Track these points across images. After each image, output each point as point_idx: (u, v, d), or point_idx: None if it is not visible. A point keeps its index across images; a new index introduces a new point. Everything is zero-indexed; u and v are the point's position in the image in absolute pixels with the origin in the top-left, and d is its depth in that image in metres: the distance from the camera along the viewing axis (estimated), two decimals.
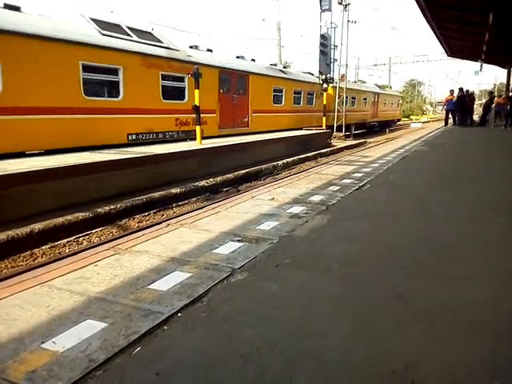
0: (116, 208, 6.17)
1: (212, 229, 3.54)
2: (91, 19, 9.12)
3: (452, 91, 20.64)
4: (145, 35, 10.22)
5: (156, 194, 7.00)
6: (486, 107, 21.20)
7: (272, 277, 2.47)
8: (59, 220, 5.39)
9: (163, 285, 2.35)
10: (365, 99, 25.36)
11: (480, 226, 3.56)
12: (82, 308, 2.09)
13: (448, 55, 28.66)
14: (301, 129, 16.72)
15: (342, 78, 21.60)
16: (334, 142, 17.86)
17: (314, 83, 18.37)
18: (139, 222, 6.29)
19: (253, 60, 15.11)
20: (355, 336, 1.82)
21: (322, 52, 17.61)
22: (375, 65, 53.09)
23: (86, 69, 8.29)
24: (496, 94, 30.68)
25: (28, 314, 2.04)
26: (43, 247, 5.06)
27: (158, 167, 7.80)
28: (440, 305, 2.10)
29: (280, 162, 11.22)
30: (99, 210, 5.95)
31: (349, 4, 20.27)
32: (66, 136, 7.92)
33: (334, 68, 18.71)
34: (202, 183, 8.11)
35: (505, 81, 28.42)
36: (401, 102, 36.95)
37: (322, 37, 17.53)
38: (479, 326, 1.89)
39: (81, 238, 5.46)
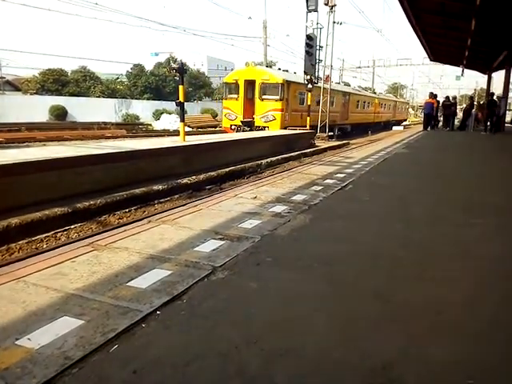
0: (96, 204, 6.08)
1: (194, 226, 3.51)
2: (310, 77, 19.19)
3: (431, 94, 21.00)
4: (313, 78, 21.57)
5: (137, 191, 6.92)
6: (466, 112, 21.66)
7: (253, 275, 2.47)
8: (37, 215, 5.28)
9: (142, 282, 2.32)
10: (389, 105, 37.66)
11: (459, 227, 3.62)
12: (58, 304, 2.05)
13: (431, 60, 29.14)
14: (285, 128, 16.89)
15: (327, 79, 21.73)
16: (317, 142, 17.95)
17: (374, 97, 32.32)
18: (119, 218, 6.21)
19: (348, 85, 30.89)
20: (334, 334, 1.83)
21: (307, 52, 17.64)
22: (359, 67, 53.47)
23: (304, 95, 18.47)
24: (476, 99, 31.43)
25: (3, 309, 1.99)
26: (20, 242, 4.95)
27: (139, 163, 7.70)
28: (418, 305, 2.13)
29: (264, 161, 11.22)
30: (78, 205, 5.85)
31: (335, 5, 20.38)
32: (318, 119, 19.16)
33: (318, 69, 18.81)
34: (185, 180, 8.05)
35: (485, 86, 29.05)
36: (408, 106, 52.36)
37: (308, 37, 17.55)
38: (456, 326, 1.93)
39: (59, 234, 5.35)
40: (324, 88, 20.49)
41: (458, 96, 52.47)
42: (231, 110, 17.19)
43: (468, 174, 7.05)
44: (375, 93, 36.59)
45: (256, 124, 16.39)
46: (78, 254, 2.81)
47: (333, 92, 21.99)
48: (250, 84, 16.90)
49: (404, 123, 42.70)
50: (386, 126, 34.66)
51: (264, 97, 16.74)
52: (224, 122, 17.67)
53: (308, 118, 17.70)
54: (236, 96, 17.03)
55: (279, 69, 18.77)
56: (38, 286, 2.27)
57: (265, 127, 16.54)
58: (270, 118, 16.56)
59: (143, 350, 1.69)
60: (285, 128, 16.62)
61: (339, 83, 30.27)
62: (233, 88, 17.36)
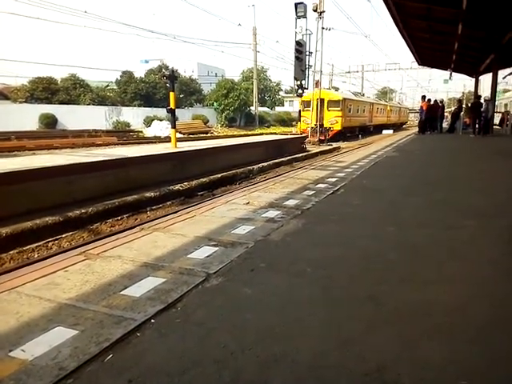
0: (87, 212, 6.04)
1: (187, 233, 3.51)
2: (350, 92, 33.83)
3: (424, 97, 21.10)
4: (357, 94, 35.00)
5: (129, 198, 6.89)
6: (455, 115, 21.86)
7: (247, 281, 2.47)
8: (28, 224, 5.24)
9: (136, 291, 2.32)
10: (396, 110, 45.68)
11: (450, 229, 3.65)
12: (51, 315, 2.04)
13: (419, 64, 29.55)
14: (275, 133, 16.99)
15: (317, 84, 21.90)
16: (308, 147, 18.05)
17: (387, 105, 42.15)
18: (112, 226, 6.18)
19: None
20: (329, 339, 1.84)
21: (297, 58, 17.79)
22: (348, 72, 54.06)
23: (352, 106, 28.48)
24: (464, 102, 31.91)
25: None
26: (11, 252, 4.90)
27: (131, 170, 7.69)
28: (411, 308, 2.14)
29: (255, 167, 11.25)
30: (70, 214, 5.81)
31: (323, 11, 20.59)
32: (358, 122, 30.43)
33: (308, 74, 18.95)
34: (177, 187, 8.04)
35: (473, 89, 29.44)
36: (408, 111, 59.86)
37: (297, 43, 17.71)
38: (449, 328, 1.94)
39: (50, 243, 5.31)
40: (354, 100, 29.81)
41: (446, 99, 53.39)
42: (307, 117, 25.08)
43: (455, 176, 7.13)
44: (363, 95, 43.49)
45: (325, 125, 24.67)
46: (70, 263, 2.79)
47: (364, 103, 32.54)
48: (319, 100, 24.64)
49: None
50: (394, 126, 43.67)
51: (330, 108, 25.60)
52: (302, 125, 24.94)
53: (299, 123, 17.80)
54: (310, 108, 24.87)
55: (336, 90, 32.08)
56: (30, 296, 2.25)
57: (330, 127, 25.28)
58: (334, 122, 25.54)
59: (138, 358, 1.69)
60: (343, 128, 26.07)
61: (363, 95, 39.19)
62: (307, 103, 25.39)
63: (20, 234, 5.12)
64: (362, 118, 31.33)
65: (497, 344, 1.81)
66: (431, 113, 20.69)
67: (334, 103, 25.78)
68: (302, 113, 25.77)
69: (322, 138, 23.45)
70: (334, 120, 25.45)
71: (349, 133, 27.71)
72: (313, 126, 24.37)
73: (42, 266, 2.79)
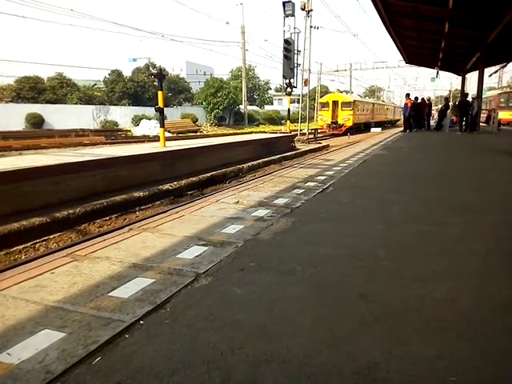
0: (75, 212, 5.98)
1: (176, 233, 3.48)
2: (357, 95, 48.53)
3: (408, 94, 21.24)
4: (359, 96, 46.93)
5: (117, 198, 6.83)
6: (442, 113, 22.09)
7: (237, 280, 2.46)
8: (15, 225, 5.16)
9: (124, 292, 2.29)
10: (392, 109, 51.25)
11: (439, 226, 3.68)
12: (38, 317, 2.01)
13: (406, 62, 29.81)
14: (264, 132, 16.98)
15: (306, 82, 21.95)
16: (298, 145, 18.07)
17: (384, 104, 47.64)
18: (100, 226, 6.12)
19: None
20: (319, 337, 1.84)
21: (285, 56, 17.77)
22: (337, 70, 54.30)
23: (359, 106, 34.74)
24: (451, 100, 32.50)
25: None
26: None
27: (119, 170, 7.62)
28: (401, 304, 2.15)
29: (245, 165, 11.23)
30: (57, 214, 5.74)
31: (311, 10, 20.63)
32: (363, 119, 36.32)
33: (297, 72, 18.96)
34: (166, 186, 7.99)
35: (460, 87, 29.77)
36: (401, 110, 70.01)
37: (286, 42, 17.69)
38: (438, 324, 1.95)
39: (37, 244, 5.25)
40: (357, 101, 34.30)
41: (433, 97, 54.18)
42: (324, 116, 32.67)
43: (443, 173, 7.19)
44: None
45: (339, 122, 31.41)
46: (57, 264, 2.75)
47: (368, 103, 38.66)
48: (334, 102, 32.06)
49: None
50: (390, 122, 50.25)
51: (343, 108, 31.70)
52: (320, 122, 32.66)
53: (288, 122, 17.83)
54: (327, 109, 32.33)
55: (347, 92, 37.13)
56: (17, 299, 2.22)
57: (343, 124, 31.62)
58: (346, 119, 31.55)
59: (127, 361, 1.67)
60: (353, 124, 31.84)
61: (352, 93, 44.75)
62: (324, 104, 33.04)
63: (7, 236, 5.05)
64: (366, 116, 37.49)
65: (487, 338, 1.82)
66: (419, 110, 20.88)
67: (346, 104, 31.93)
68: (319, 112, 33.67)
69: (336, 132, 30.44)
70: (346, 118, 31.75)
71: (356, 128, 32.71)
72: (328, 122, 31.95)
73: (29, 267, 2.75)
